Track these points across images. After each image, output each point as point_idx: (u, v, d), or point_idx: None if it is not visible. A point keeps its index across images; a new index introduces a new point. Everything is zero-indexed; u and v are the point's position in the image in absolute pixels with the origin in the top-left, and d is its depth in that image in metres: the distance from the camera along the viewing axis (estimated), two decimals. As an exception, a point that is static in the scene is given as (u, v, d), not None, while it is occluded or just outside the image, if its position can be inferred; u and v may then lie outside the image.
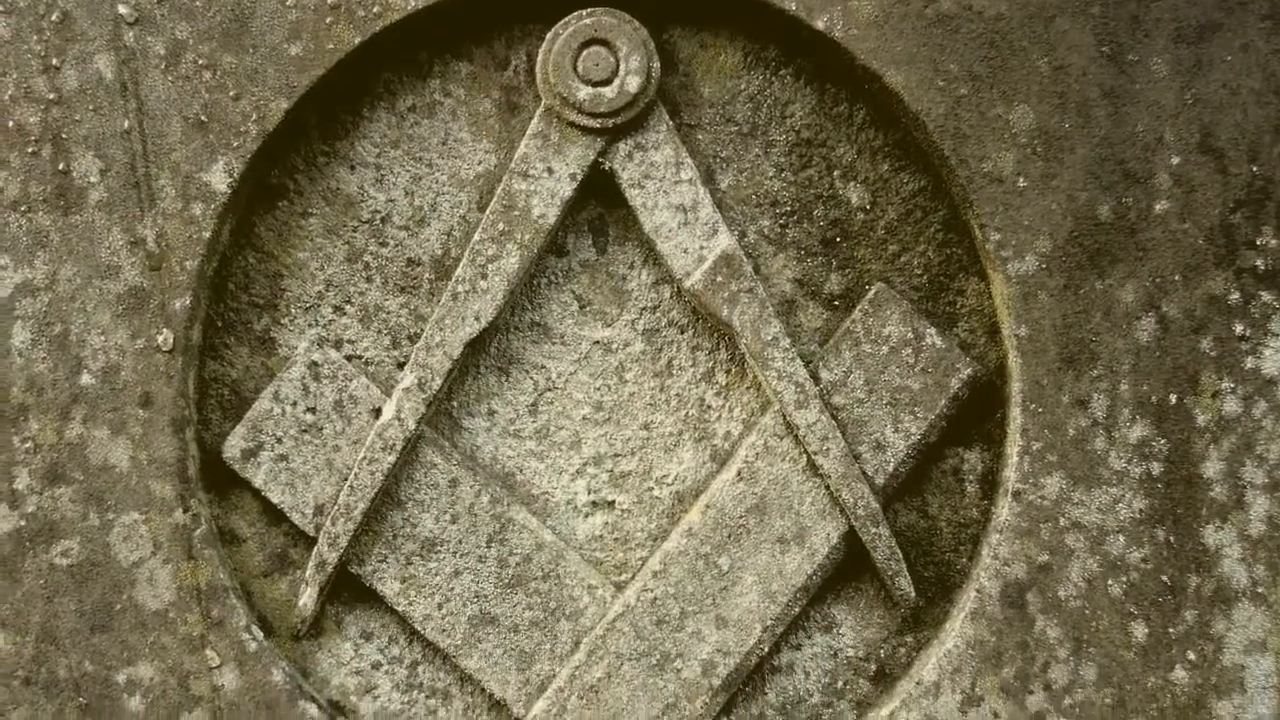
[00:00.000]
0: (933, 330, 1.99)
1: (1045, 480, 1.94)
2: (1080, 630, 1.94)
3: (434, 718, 2.02)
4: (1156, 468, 1.93)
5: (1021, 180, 1.92)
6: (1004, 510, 1.94)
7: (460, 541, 1.99)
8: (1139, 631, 1.93)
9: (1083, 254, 1.93)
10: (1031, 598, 1.94)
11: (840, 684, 2.03)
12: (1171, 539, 1.93)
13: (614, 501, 2.04)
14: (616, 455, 2.05)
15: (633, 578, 2.02)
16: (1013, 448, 1.95)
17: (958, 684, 1.93)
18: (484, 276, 1.96)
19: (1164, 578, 1.93)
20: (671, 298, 2.04)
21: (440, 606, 1.99)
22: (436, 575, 1.99)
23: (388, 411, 1.96)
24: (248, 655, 1.94)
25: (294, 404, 1.97)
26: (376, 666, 2.03)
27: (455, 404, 2.05)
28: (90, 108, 1.91)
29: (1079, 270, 1.93)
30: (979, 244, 1.97)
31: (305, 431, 1.97)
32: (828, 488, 1.97)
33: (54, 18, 1.91)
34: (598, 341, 2.05)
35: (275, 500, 1.98)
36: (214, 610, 1.94)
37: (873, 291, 2.00)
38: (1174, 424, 1.92)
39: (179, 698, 1.94)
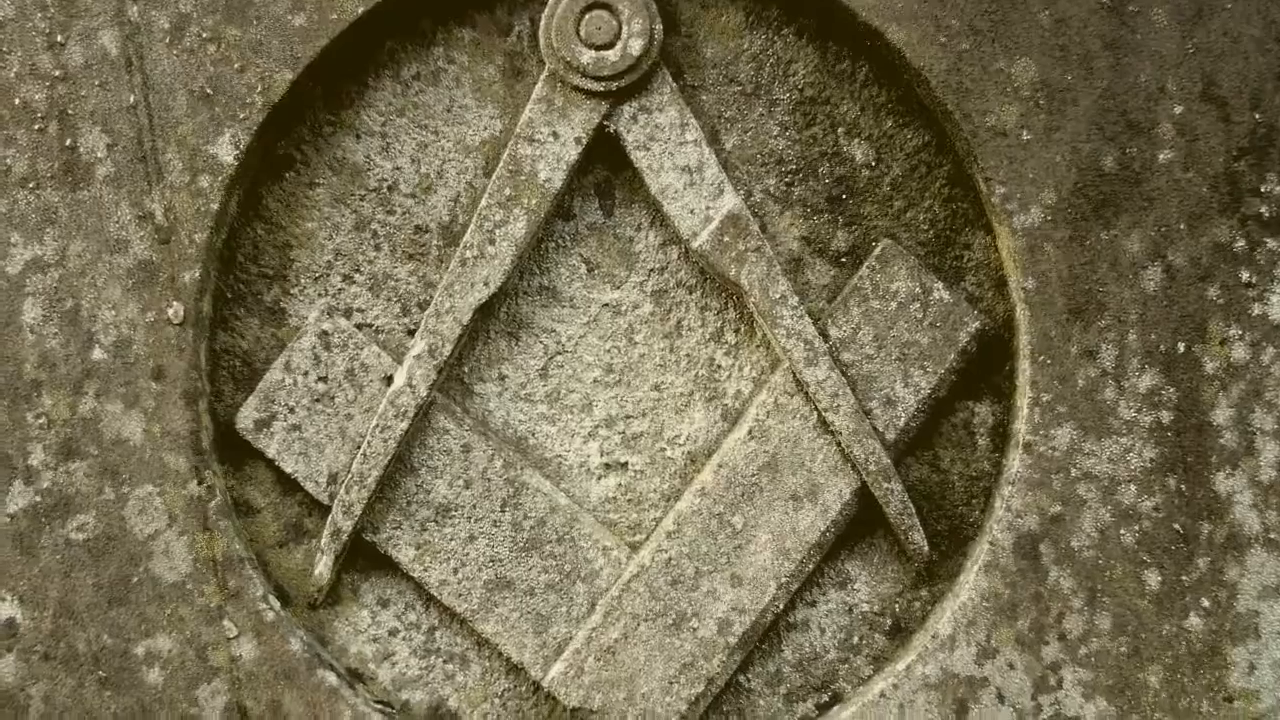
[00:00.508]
0: (940, 285, 1.99)
1: (1056, 431, 1.94)
2: (1094, 580, 1.94)
3: (452, 682, 2.03)
4: (1166, 416, 1.93)
5: (1025, 133, 1.93)
6: (1015, 462, 1.95)
7: (474, 506, 2.00)
8: (1153, 580, 1.94)
9: (1088, 205, 1.93)
10: (1045, 549, 1.94)
11: (856, 639, 2.04)
12: (1183, 487, 1.94)
13: (626, 463, 2.05)
14: (628, 417, 2.06)
15: (647, 539, 2.03)
16: (1022, 400, 1.96)
17: (973, 636, 1.94)
18: (492, 242, 1.97)
19: (1176, 526, 1.94)
20: (679, 259, 2.05)
21: (456, 572, 2.00)
22: (451, 541, 2.00)
23: (399, 379, 1.97)
24: (265, 625, 1.95)
25: (305, 374, 1.98)
26: (394, 633, 2.03)
27: (466, 370, 2.05)
28: (96, 83, 1.92)
29: (1084, 222, 1.93)
30: (984, 198, 1.97)
31: (317, 401, 1.98)
32: (839, 444, 1.98)
33: (58, -6, 1.92)
34: (607, 304, 2.06)
35: (289, 470, 1.99)
36: (231, 581, 1.95)
37: (879, 248, 2.01)
38: (1183, 372, 1.93)
39: (197, 669, 1.94)
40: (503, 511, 2.00)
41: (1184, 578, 1.94)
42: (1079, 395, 1.94)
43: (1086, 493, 1.95)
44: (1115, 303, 1.93)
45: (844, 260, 2.04)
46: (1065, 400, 1.94)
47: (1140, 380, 1.93)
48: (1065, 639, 1.94)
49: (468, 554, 2.00)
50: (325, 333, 1.98)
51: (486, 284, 1.97)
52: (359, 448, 1.97)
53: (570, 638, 2.00)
